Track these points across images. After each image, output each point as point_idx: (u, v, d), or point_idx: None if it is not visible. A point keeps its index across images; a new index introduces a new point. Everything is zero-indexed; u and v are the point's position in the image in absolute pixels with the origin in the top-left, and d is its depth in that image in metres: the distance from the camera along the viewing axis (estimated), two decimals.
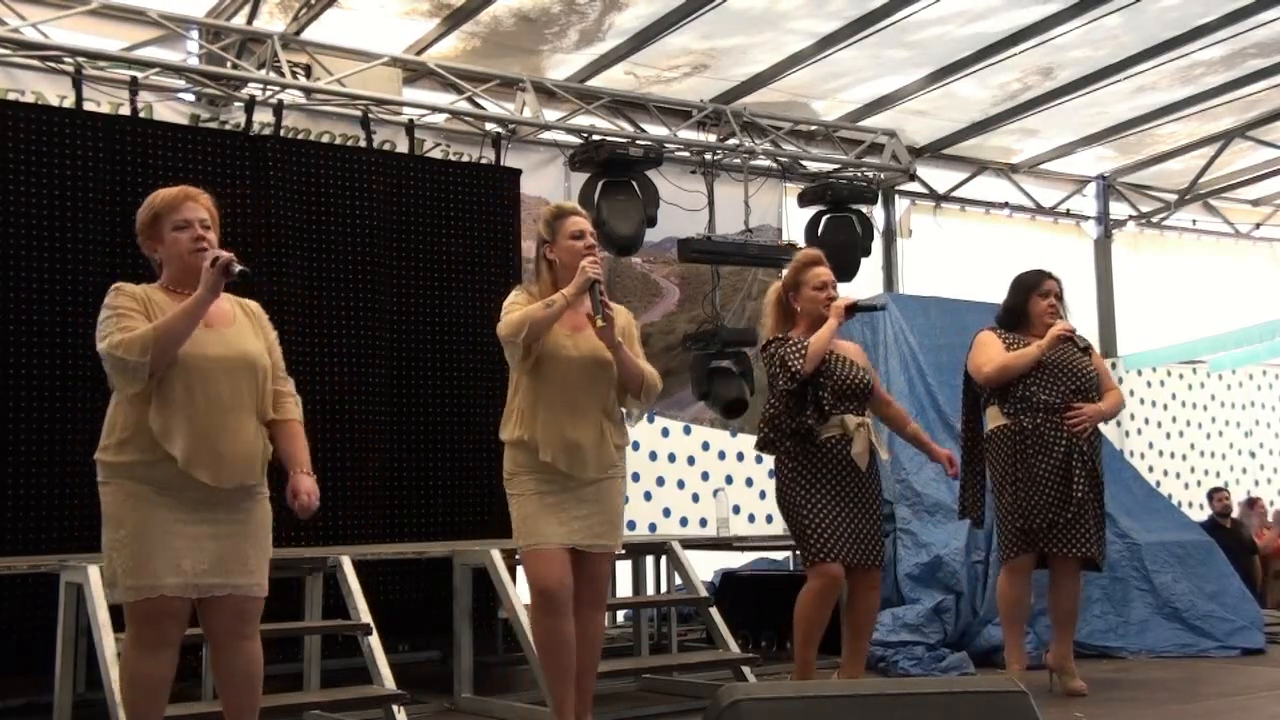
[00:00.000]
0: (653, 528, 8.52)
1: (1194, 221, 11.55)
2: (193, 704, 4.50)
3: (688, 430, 8.90)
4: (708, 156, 8.65)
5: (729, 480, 8.72)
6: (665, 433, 8.81)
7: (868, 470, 4.83)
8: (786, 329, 4.94)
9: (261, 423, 3.43)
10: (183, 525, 3.26)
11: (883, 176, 9.34)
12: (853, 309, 4.88)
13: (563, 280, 4.01)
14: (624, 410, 4.14)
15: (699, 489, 8.80)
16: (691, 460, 8.87)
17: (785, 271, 5.09)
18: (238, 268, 3.30)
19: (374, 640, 5.00)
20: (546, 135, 8.13)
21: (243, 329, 3.48)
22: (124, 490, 3.28)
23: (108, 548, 3.29)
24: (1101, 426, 5.53)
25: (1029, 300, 5.46)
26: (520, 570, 4.62)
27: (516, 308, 3.95)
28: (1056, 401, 5.29)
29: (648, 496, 8.63)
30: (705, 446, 8.93)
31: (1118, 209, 11.19)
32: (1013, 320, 5.50)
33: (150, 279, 3.49)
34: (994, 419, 5.41)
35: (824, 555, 4.71)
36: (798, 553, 5.05)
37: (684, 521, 8.72)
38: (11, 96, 6.43)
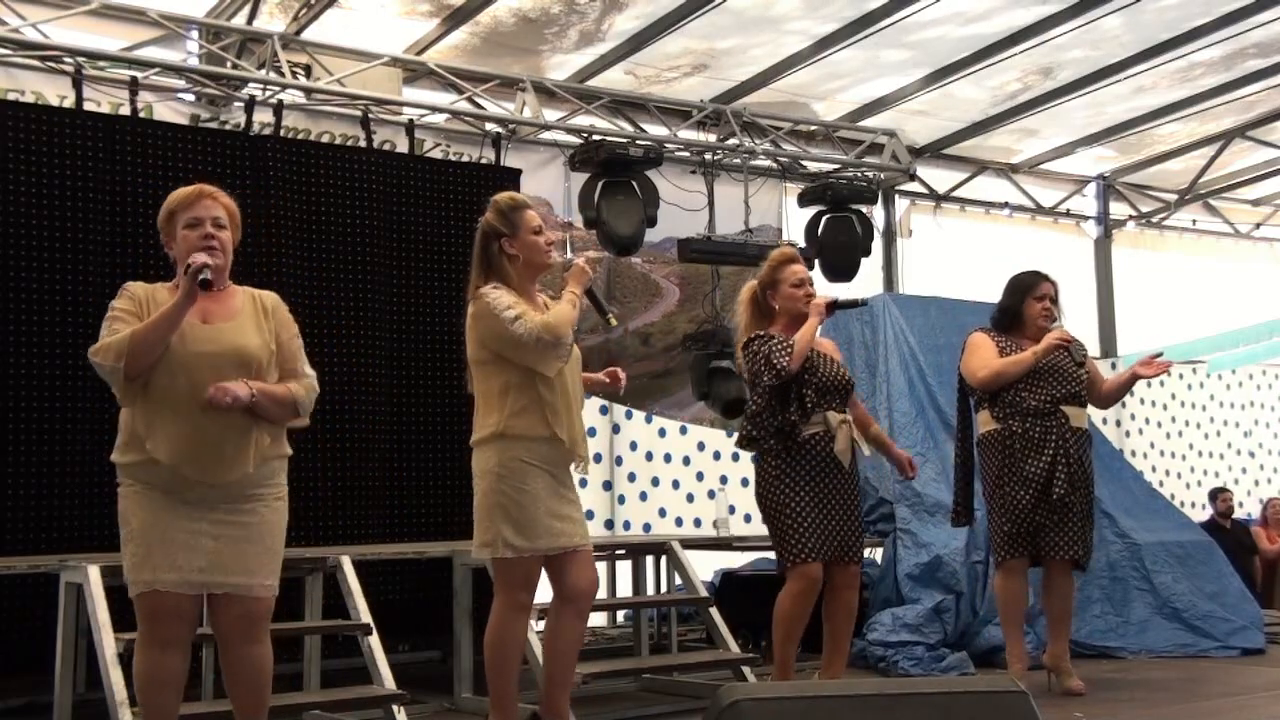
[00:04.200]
0: (647, 528, 8.52)
1: (1194, 221, 11.55)
2: (193, 704, 4.47)
3: (684, 430, 8.91)
4: (708, 156, 8.64)
5: (723, 480, 8.70)
6: (662, 433, 8.80)
7: (849, 467, 4.84)
8: (762, 326, 4.94)
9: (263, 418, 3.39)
10: (183, 523, 3.28)
11: (883, 176, 9.34)
12: (833, 306, 4.89)
13: (524, 275, 3.97)
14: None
15: (694, 489, 8.80)
16: (687, 460, 8.87)
17: (760, 269, 5.07)
18: (201, 275, 3.25)
19: (374, 640, 5.00)
20: (546, 135, 8.13)
21: (244, 323, 3.45)
22: (132, 490, 3.32)
23: (121, 545, 3.35)
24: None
25: (1024, 302, 5.48)
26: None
27: (520, 306, 3.85)
28: (1045, 406, 5.30)
29: (644, 497, 8.63)
30: (700, 447, 8.93)
31: (1118, 209, 11.18)
32: (1007, 321, 5.51)
33: (165, 276, 3.50)
34: (985, 423, 5.45)
35: (805, 556, 4.70)
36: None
37: (679, 522, 8.72)
38: (11, 96, 6.43)
